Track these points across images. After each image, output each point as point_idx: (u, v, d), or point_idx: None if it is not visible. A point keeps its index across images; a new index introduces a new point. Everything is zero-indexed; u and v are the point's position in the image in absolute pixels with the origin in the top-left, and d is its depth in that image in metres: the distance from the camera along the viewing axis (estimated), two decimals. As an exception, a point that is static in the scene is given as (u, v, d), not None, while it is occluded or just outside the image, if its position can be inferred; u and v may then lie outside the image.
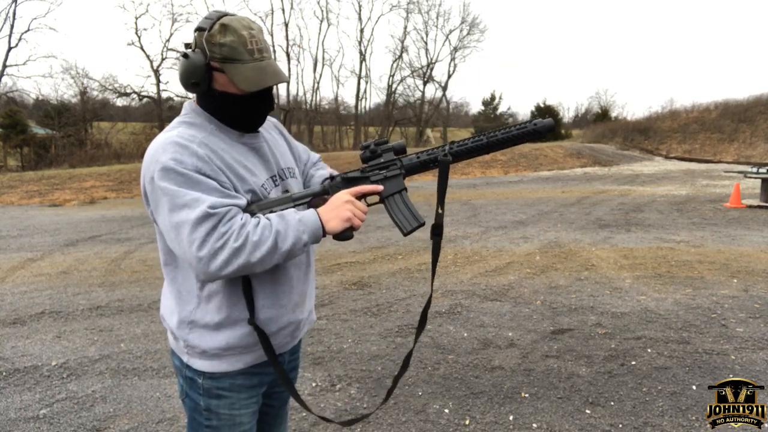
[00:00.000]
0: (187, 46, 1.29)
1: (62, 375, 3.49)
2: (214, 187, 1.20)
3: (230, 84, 1.25)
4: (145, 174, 1.23)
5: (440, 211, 1.36)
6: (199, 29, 1.26)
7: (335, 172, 1.52)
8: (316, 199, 1.38)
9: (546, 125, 1.34)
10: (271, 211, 1.27)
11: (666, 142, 27.08)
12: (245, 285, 1.29)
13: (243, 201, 1.24)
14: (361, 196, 1.33)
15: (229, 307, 1.31)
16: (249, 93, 1.27)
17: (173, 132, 1.26)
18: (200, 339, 1.32)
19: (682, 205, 10.52)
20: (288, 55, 36.79)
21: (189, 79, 1.25)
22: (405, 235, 1.38)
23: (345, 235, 1.29)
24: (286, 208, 1.29)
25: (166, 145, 1.21)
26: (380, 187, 1.35)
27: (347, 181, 1.37)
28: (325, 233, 1.26)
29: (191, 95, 1.36)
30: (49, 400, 3.16)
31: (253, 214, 1.25)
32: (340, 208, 1.27)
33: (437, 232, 1.38)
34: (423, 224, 1.38)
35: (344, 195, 1.29)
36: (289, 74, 37.38)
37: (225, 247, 1.14)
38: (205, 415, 1.37)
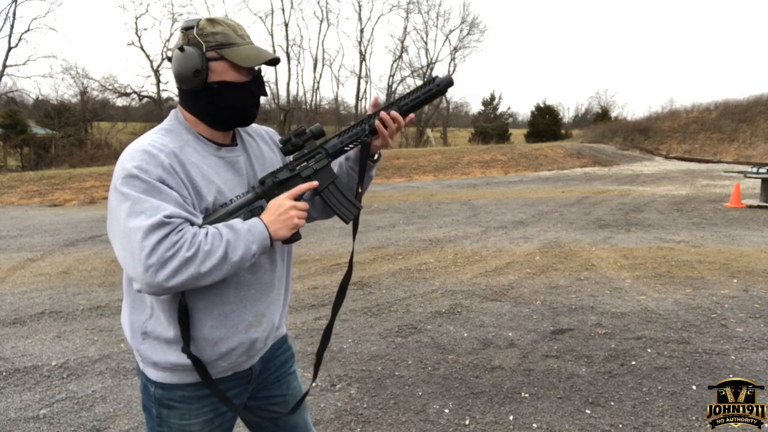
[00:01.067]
0: (169, 59, 1.31)
1: (62, 375, 3.49)
2: (175, 198, 1.19)
3: (229, 69, 1.29)
4: (113, 179, 1.22)
5: (359, 190, 1.41)
6: (187, 28, 1.29)
7: None
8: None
9: (445, 81, 1.37)
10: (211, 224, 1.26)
11: (666, 142, 27.08)
12: (181, 311, 1.26)
13: (199, 220, 1.23)
14: (299, 196, 1.34)
15: (177, 326, 1.29)
16: (246, 78, 1.31)
17: (146, 139, 1.27)
18: (152, 351, 1.31)
19: (682, 205, 10.52)
20: (288, 55, 36.82)
21: (190, 69, 1.27)
22: (347, 223, 1.42)
23: (294, 238, 1.33)
24: (222, 221, 1.28)
25: (134, 153, 1.21)
26: (315, 183, 1.36)
27: (279, 185, 1.36)
28: (272, 242, 1.26)
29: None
30: (49, 400, 3.16)
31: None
32: (285, 215, 1.28)
33: (354, 210, 1.42)
34: (360, 209, 1.43)
35: (285, 201, 1.29)
36: (289, 74, 37.36)
37: (176, 257, 1.12)
38: (156, 422, 1.38)
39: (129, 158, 1.21)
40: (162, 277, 1.11)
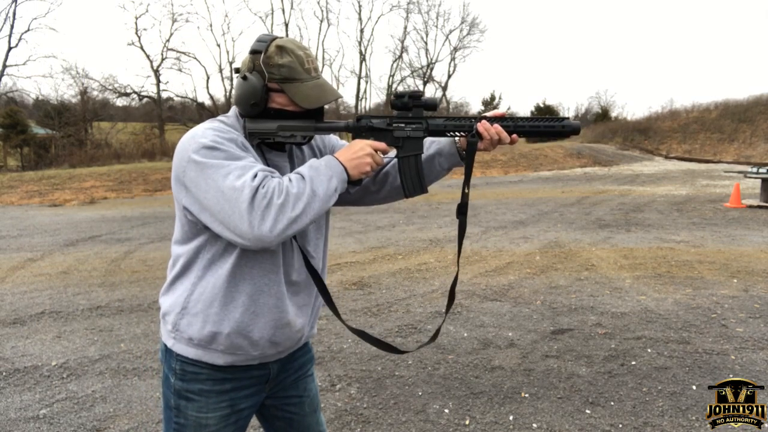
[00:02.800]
0: (237, 70, 1.33)
1: (62, 375, 3.49)
2: (254, 158, 1.25)
3: (290, 103, 1.31)
4: (181, 157, 1.24)
5: (466, 191, 1.39)
6: (254, 52, 1.30)
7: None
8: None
9: (572, 127, 1.37)
10: None
11: (666, 142, 27.10)
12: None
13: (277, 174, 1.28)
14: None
15: (221, 305, 1.32)
16: (304, 109, 1.32)
17: (211, 123, 1.31)
18: (188, 325, 1.34)
19: (682, 205, 10.52)
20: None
21: (248, 101, 1.29)
22: (405, 197, 1.44)
23: (357, 182, 1.35)
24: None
25: (206, 131, 1.25)
26: (393, 150, 1.40)
27: (372, 130, 1.39)
28: (349, 177, 1.29)
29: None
30: (49, 400, 3.16)
31: None
32: (361, 159, 1.30)
33: (463, 211, 1.41)
34: (425, 193, 1.43)
35: (366, 147, 1.32)
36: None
37: (270, 206, 1.16)
38: (174, 412, 1.40)
39: (200, 135, 1.24)
40: (266, 228, 1.15)
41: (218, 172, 1.18)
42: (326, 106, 1.39)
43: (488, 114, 1.38)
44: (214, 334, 1.33)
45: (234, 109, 1.40)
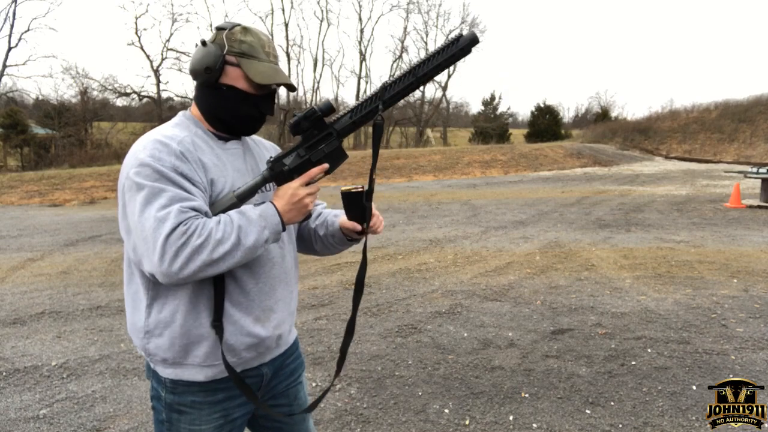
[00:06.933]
0: (203, 42, 1.32)
1: (62, 375, 3.49)
2: (186, 187, 1.21)
3: (241, 78, 1.30)
4: (123, 171, 1.25)
5: (374, 177, 1.35)
6: (220, 28, 1.31)
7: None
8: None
9: (469, 38, 1.25)
10: (222, 211, 1.26)
11: (666, 142, 27.09)
12: (216, 286, 1.28)
13: (207, 208, 1.24)
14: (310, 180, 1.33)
15: (184, 316, 1.30)
16: (255, 92, 1.31)
17: (156, 131, 1.30)
18: (157, 348, 1.31)
19: (682, 205, 10.52)
20: (288, 55, 36.83)
21: (203, 64, 1.28)
22: (363, 231, 1.42)
23: (308, 217, 1.35)
24: (232, 207, 1.28)
25: (147, 143, 1.24)
26: (326, 166, 1.32)
27: (292, 172, 1.32)
28: (284, 228, 1.27)
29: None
30: (49, 400, 3.16)
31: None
32: (299, 202, 1.28)
33: (369, 198, 1.37)
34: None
35: (299, 190, 1.28)
36: (289, 74, 37.31)
37: (187, 245, 1.13)
38: (166, 426, 1.38)
39: (141, 148, 1.24)
40: (176, 267, 1.14)
41: (146, 198, 1.17)
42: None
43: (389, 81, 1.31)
44: (186, 346, 1.30)
45: (182, 112, 1.39)
